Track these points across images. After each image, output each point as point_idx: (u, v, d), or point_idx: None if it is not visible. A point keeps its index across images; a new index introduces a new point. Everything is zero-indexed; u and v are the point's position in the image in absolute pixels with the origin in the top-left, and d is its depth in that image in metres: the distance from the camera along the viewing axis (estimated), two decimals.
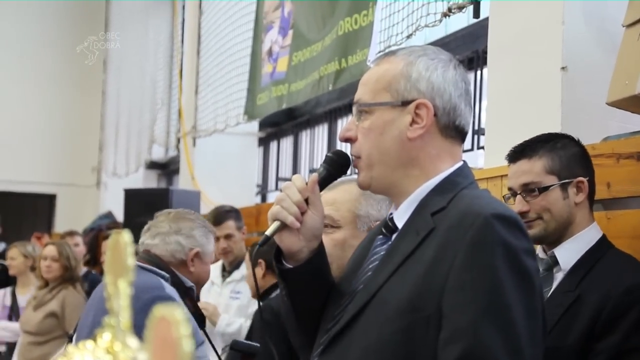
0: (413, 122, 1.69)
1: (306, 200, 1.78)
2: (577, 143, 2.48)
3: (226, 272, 5.18)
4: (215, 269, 5.19)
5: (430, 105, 1.69)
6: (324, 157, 1.87)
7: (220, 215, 5.13)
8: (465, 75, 1.78)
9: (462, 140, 1.79)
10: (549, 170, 2.40)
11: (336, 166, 1.84)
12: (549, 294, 2.35)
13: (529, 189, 2.41)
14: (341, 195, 2.36)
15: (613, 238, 2.45)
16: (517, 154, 2.48)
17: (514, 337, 1.47)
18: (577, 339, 2.19)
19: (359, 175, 1.76)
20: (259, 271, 4.51)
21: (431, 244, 1.60)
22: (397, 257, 1.65)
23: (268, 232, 1.78)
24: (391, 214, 1.78)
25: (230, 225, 5.11)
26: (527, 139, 2.51)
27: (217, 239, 5.08)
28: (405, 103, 1.69)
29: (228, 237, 5.06)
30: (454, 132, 1.73)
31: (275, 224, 1.77)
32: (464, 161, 1.77)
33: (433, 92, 1.69)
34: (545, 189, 2.38)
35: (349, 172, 1.94)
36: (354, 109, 1.76)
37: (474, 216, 1.55)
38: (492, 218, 1.53)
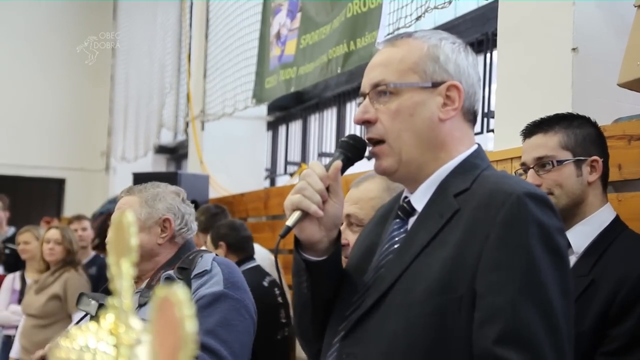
0: (444, 103, 1.69)
1: (327, 189, 1.73)
2: (593, 124, 2.46)
3: None
4: None
5: (461, 87, 1.69)
6: (338, 142, 1.81)
7: (214, 223, 5.24)
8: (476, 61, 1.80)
9: (475, 124, 1.79)
10: (564, 145, 2.38)
11: (354, 151, 1.79)
12: None
13: (542, 163, 2.39)
14: (364, 194, 2.41)
15: (624, 220, 2.43)
16: (534, 128, 2.46)
17: (551, 316, 1.48)
18: (591, 324, 2.17)
19: (384, 160, 1.71)
20: (221, 252, 4.69)
21: (457, 225, 1.59)
22: (420, 240, 1.63)
23: (290, 223, 1.71)
24: (405, 197, 1.76)
25: None
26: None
27: None
28: (435, 84, 1.69)
29: None
30: (472, 116, 1.75)
31: (297, 214, 1.71)
32: (478, 144, 1.76)
33: (460, 74, 1.70)
34: (559, 163, 2.37)
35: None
36: (373, 90, 1.71)
37: (505, 195, 1.55)
38: (525, 196, 1.53)
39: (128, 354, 0.79)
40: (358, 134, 1.89)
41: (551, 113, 2.54)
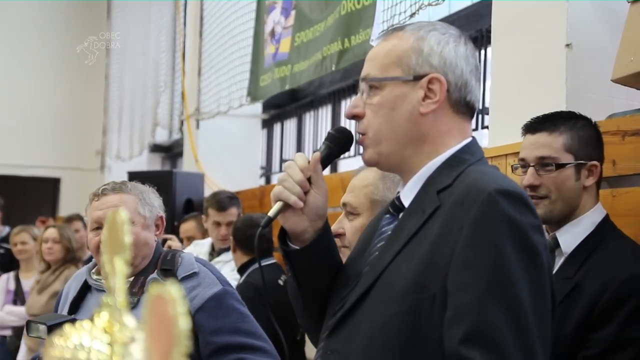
0: (425, 97, 1.66)
1: (309, 180, 1.75)
2: (595, 126, 2.43)
3: (215, 252, 5.20)
4: (203, 247, 5.28)
5: (444, 79, 1.66)
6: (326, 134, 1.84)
7: (224, 202, 5.19)
8: (474, 51, 1.75)
9: (472, 116, 1.76)
10: (568, 148, 2.34)
11: (338, 143, 1.80)
12: None
13: (544, 163, 2.35)
14: (359, 182, 2.35)
15: (618, 216, 2.43)
16: (538, 125, 2.41)
17: (520, 314, 1.44)
18: (573, 328, 2.15)
19: (365, 152, 1.72)
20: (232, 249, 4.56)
21: (436, 222, 1.57)
22: (402, 237, 1.62)
23: (271, 213, 1.75)
24: (398, 192, 1.76)
25: (233, 213, 5.14)
26: (531, 117, 2.48)
27: (219, 224, 5.11)
28: (417, 78, 1.66)
29: (230, 224, 5.05)
30: (465, 108, 1.71)
31: (278, 205, 1.74)
32: (473, 137, 1.74)
33: (445, 66, 1.67)
34: (562, 165, 2.33)
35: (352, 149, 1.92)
36: (362, 85, 1.72)
37: (478, 192, 1.52)
38: (497, 194, 1.50)
39: (122, 352, 0.79)
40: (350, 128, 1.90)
41: (545, 109, 2.53)
